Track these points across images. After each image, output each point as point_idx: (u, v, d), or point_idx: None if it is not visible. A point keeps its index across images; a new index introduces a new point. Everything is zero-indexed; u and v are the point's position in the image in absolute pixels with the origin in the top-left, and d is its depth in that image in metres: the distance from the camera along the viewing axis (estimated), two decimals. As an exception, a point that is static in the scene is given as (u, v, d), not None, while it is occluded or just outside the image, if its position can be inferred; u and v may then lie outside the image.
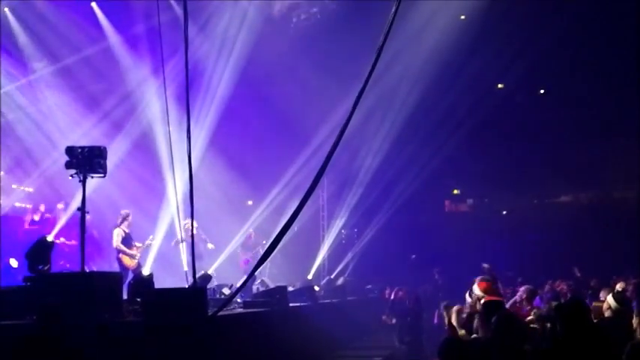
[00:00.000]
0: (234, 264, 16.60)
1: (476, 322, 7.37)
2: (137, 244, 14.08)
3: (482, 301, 7.81)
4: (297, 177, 18.34)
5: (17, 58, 15.86)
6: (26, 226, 15.15)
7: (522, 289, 9.53)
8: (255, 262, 11.98)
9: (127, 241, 13.92)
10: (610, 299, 7.87)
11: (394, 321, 15.39)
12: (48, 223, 15.20)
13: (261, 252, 15.29)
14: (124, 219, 14.01)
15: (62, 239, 14.90)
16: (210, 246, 15.60)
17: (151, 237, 14.48)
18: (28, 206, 15.91)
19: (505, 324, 6.47)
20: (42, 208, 15.46)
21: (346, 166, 19.92)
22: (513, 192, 24.56)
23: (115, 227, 13.84)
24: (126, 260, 13.71)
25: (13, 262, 13.94)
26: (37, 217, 15.31)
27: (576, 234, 21.95)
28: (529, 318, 8.27)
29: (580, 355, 5.65)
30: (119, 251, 13.71)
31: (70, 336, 7.55)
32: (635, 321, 6.25)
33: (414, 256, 9.99)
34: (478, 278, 8.65)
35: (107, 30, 17.39)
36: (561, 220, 23.42)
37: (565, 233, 22.52)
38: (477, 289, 8.21)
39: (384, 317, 15.62)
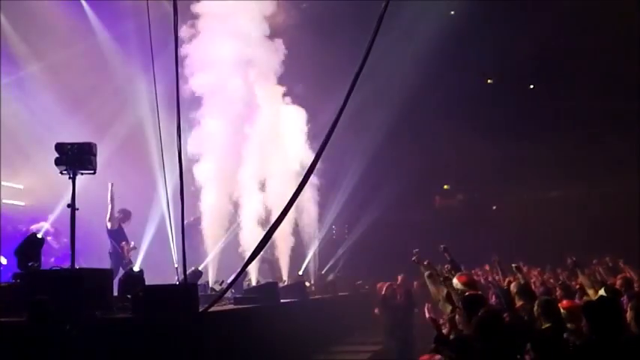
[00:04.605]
0: (224, 260, 16.56)
1: (458, 318, 7.35)
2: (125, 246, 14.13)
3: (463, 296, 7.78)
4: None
5: (5, 55, 15.75)
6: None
7: (513, 284, 9.56)
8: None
9: (119, 233, 13.99)
10: (602, 293, 7.89)
11: (376, 311, 15.40)
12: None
13: None
14: (124, 214, 14.15)
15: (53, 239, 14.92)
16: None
17: (132, 243, 14.46)
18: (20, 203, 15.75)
19: (489, 323, 6.46)
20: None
21: (337, 162, 19.90)
22: (503, 187, 24.62)
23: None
24: (124, 250, 13.84)
25: (2, 259, 13.88)
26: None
27: (566, 229, 22.02)
28: None
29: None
30: (113, 236, 13.84)
31: (60, 333, 7.53)
32: (628, 315, 6.27)
33: (416, 250, 10.10)
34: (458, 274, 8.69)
35: (96, 27, 17.32)
36: (551, 215, 23.51)
37: (555, 228, 22.61)
38: (457, 284, 8.20)
39: (376, 311, 15.65)
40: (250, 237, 14.71)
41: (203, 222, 14.65)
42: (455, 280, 8.31)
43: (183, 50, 13.82)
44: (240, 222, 15.39)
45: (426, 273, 8.84)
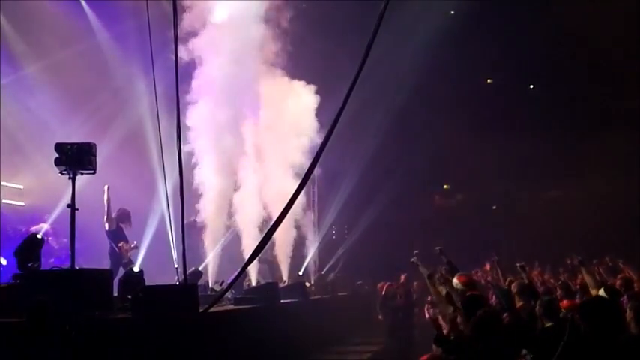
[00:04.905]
0: (224, 260, 16.56)
1: (459, 319, 7.34)
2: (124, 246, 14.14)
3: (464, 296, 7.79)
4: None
5: (5, 55, 15.74)
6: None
7: (514, 284, 9.54)
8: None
9: (118, 233, 14.00)
10: (601, 293, 7.87)
11: (380, 317, 15.43)
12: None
13: None
14: (122, 214, 14.15)
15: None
16: None
17: (134, 242, 14.46)
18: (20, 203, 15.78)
19: (486, 323, 6.45)
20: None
21: (336, 162, 19.90)
22: (503, 187, 24.62)
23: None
24: (122, 250, 13.84)
25: (2, 260, 13.87)
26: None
27: (566, 229, 22.02)
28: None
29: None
30: (112, 235, 13.84)
31: (59, 333, 7.52)
32: (627, 315, 6.25)
33: (416, 251, 10.10)
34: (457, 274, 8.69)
35: (95, 26, 17.31)
36: (551, 215, 23.50)
37: (555, 228, 22.60)
38: (457, 284, 8.20)
39: (380, 317, 15.65)
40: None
41: (203, 215, 14.61)
42: (455, 280, 8.31)
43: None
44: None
45: (426, 274, 8.85)
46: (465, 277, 8.43)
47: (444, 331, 7.23)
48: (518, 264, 9.92)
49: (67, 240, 12.60)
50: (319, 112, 17.02)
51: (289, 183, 15.38)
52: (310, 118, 17.12)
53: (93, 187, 13.13)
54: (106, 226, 14.02)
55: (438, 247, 10.35)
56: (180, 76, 10.54)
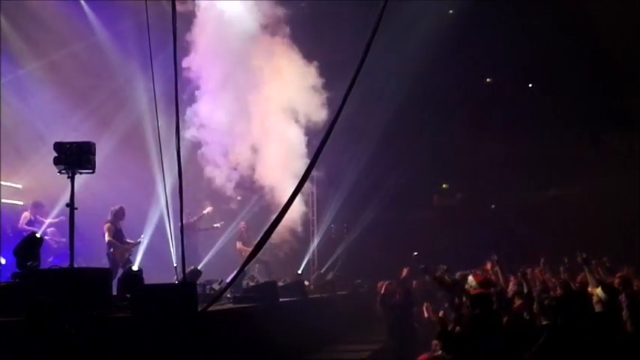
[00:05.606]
0: (223, 259, 16.56)
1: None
2: (128, 241, 14.12)
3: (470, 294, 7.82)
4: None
5: (4, 54, 15.73)
6: (21, 225, 14.84)
7: (512, 282, 9.55)
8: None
9: (118, 235, 13.96)
10: (599, 291, 7.88)
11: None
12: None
13: None
14: (116, 213, 14.07)
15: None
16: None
17: (142, 236, 14.49)
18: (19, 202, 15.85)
19: (484, 322, 6.47)
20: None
21: (335, 161, 19.89)
22: (502, 186, 24.60)
23: (106, 222, 13.89)
24: (117, 255, 13.75)
25: (1, 259, 13.86)
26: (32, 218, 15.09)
27: (565, 229, 22.01)
28: None
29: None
30: (110, 246, 13.71)
31: (58, 332, 7.52)
32: (624, 314, 6.26)
33: (415, 253, 10.11)
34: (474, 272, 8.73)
35: (95, 25, 17.32)
36: (550, 214, 23.49)
37: (554, 228, 22.59)
38: (472, 282, 8.23)
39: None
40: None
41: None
42: (470, 278, 8.36)
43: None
44: None
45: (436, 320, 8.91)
46: (480, 276, 8.47)
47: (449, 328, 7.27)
48: (519, 271, 9.92)
49: (65, 239, 12.62)
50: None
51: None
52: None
53: (93, 186, 13.15)
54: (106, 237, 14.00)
55: (415, 253, 10.38)
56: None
